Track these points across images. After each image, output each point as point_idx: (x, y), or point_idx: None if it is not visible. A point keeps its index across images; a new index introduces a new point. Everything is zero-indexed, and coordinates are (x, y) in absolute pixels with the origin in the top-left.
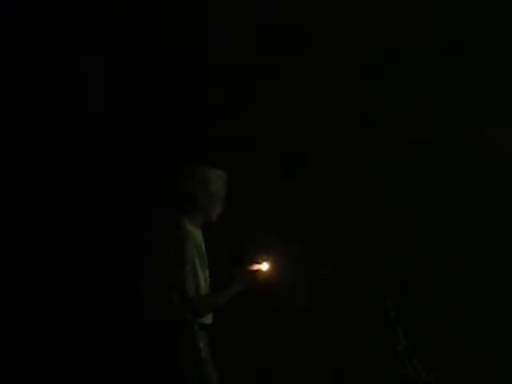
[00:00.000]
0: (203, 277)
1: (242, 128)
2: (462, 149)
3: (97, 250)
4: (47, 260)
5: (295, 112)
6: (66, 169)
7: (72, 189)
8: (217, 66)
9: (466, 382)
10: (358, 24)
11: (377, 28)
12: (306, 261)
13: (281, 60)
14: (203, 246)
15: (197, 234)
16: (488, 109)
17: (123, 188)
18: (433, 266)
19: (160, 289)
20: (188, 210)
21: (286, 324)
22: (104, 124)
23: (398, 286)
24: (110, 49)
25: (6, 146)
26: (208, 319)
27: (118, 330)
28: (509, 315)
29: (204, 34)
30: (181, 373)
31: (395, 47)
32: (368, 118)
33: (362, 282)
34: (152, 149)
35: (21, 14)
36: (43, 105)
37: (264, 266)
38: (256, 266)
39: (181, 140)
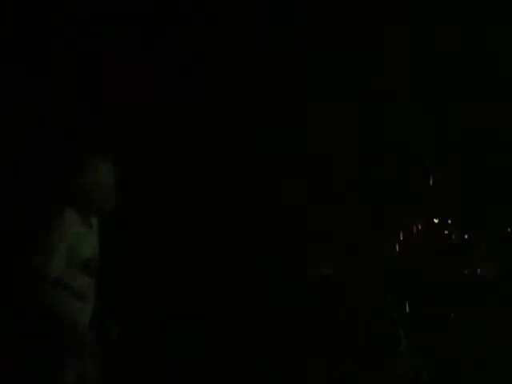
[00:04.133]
0: None
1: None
2: None
3: None
4: None
5: None
6: None
7: None
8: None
9: (466, 381)
10: None
11: None
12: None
13: None
14: None
15: None
16: None
17: None
18: (433, 267)
19: None
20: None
21: (285, 324)
22: None
23: (399, 287)
24: None
25: None
26: None
27: None
28: (509, 315)
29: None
30: None
31: None
32: None
33: (363, 282)
34: None
35: None
36: None
37: None
38: None
39: None
